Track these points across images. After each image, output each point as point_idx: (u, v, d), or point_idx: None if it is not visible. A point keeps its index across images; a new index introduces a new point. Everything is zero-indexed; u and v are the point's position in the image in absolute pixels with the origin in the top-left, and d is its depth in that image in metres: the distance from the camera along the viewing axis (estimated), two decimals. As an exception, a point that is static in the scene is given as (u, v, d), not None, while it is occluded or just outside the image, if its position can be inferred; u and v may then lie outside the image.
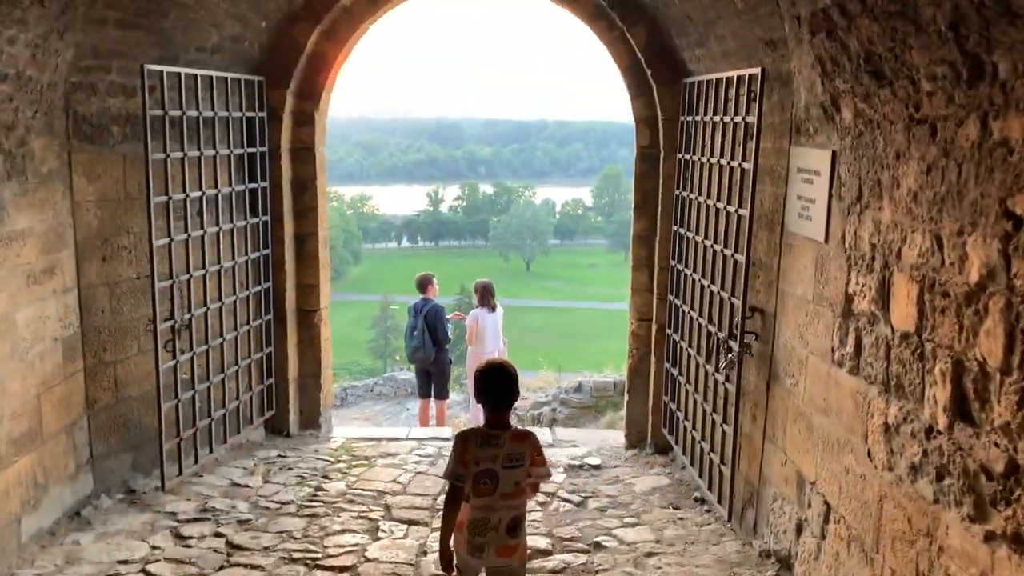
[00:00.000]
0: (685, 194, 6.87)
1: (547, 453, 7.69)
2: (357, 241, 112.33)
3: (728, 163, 5.81)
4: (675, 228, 7.09)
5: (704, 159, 6.36)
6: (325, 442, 7.94)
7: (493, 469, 3.75)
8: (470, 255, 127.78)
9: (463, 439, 3.85)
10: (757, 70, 5.28)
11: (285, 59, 7.37)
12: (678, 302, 6.98)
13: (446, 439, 8.11)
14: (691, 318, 6.62)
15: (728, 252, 5.77)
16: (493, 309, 10.60)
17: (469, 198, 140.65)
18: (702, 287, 6.35)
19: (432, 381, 10.61)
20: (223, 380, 6.91)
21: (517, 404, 13.56)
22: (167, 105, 5.96)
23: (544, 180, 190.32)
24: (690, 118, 6.78)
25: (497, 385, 3.84)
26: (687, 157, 6.84)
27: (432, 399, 10.80)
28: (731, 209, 5.74)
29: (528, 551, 4.24)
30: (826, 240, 4.64)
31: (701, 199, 6.40)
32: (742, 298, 5.48)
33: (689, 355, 6.69)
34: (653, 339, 7.51)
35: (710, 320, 6.15)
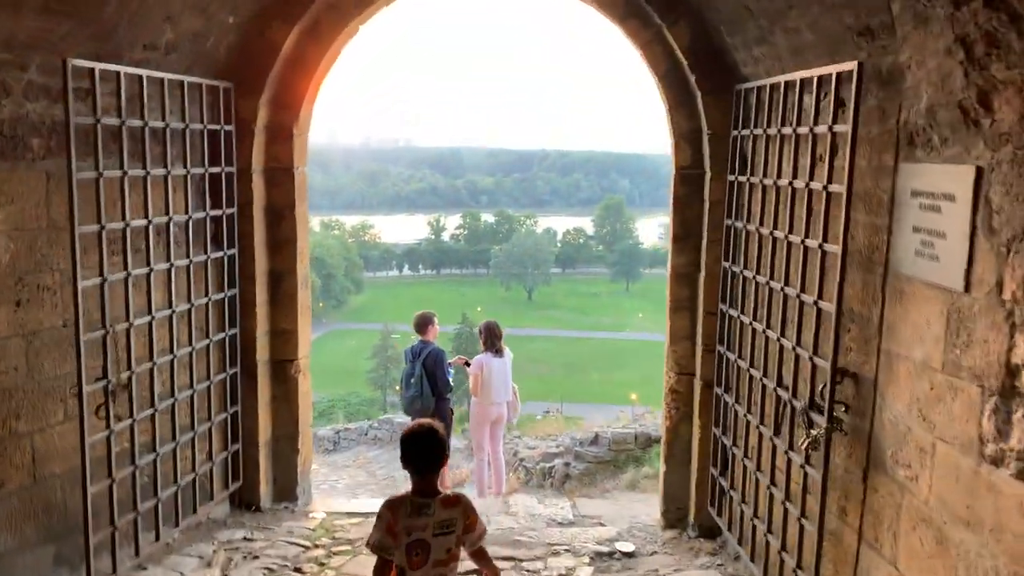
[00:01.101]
0: (740, 224, 5.64)
1: (568, 533, 6.41)
2: (358, 270, 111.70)
3: (806, 185, 4.58)
4: (726, 265, 5.86)
5: (768, 181, 5.14)
6: (302, 518, 6.64)
7: (424, 539, 3.63)
8: (472, 283, 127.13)
9: (391, 508, 3.70)
10: (851, 65, 4.07)
11: (258, 62, 6.19)
12: (731, 355, 5.73)
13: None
14: (751, 377, 5.36)
15: (808, 298, 4.53)
16: (500, 353, 9.31)
17: (471, 227, 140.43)
18: (766, 339, 5.09)
19: None
20: (175, 450, 5.64)
21: (525, 455, 12.36)
22: (100, 112, 4.75)
23: (545, 209, 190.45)
24: (746, 132, 5.58)
25: (421, 450, 3.69)
26: (742, 179, 5.62)
27: None
28: (811, 244, 4.51)
29: None
30: (966, 288, 3.39)
31: (764, 230, 5.17)
32: (831, 358, 4.23)
33: (748, 423, 5.42)
34: (697, 398, 6.24)
35: (779, 382, 4.88)
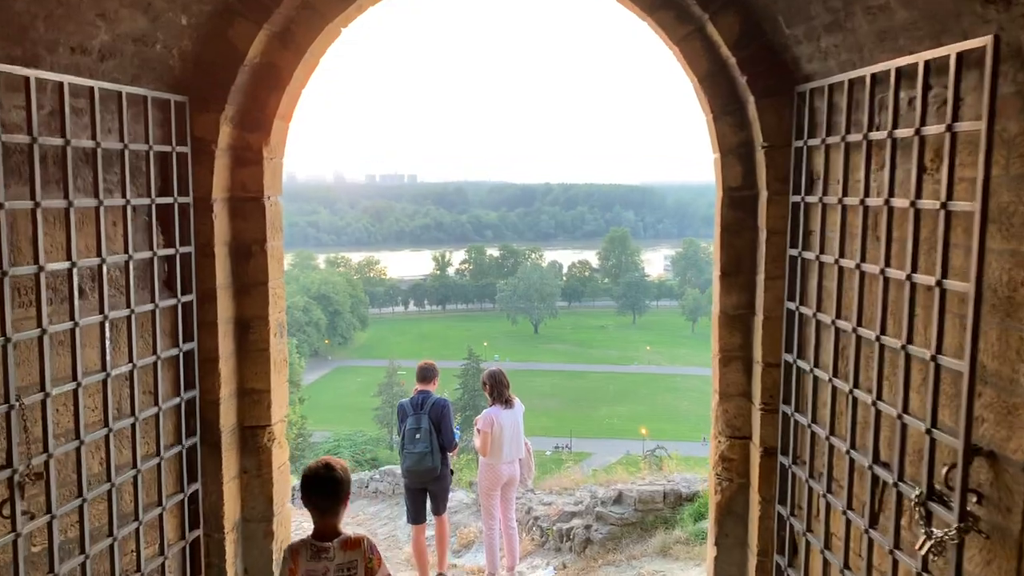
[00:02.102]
0: (810, 255, 4.56)
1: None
2: (364, 307, 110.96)
3: (912, 204, 3.50)
4: (792, 306, 4.76)
5: (850, 201, 4.07)
6: (278, 618, 5.50)
7: None
8: (477, 318, 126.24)
9: (292, 553, 3.68)
10: (981, 42, 3.02)
11: (218, 72, 5.17)
12: (802, 419, 4.61)
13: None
14: (831, 448, 4.25)
15: (919, 351, 3.43)
16: (510, 404, 8.16)
17: (476, 261, 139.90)
18: (854, 401, 3.99)
19: (432, 499, 8.05)
20: (112, 546, 4.52)
21: (540, 513, 11.15)
22: (3, 129, 3.72)
23: (550, 243, 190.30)
24: (814, 141, 4.52)
25: (321, 490, 3.67)
26: (810, 200, 4.55)
27: (427, 521, 8.27)
28: (922, 280, 3.42)
29: None
30: None
31: (847, 263, 4.09)
32: (962, 433, 3.12)
33: (829, 505, 4.29)
34: (756, 468, 5.11)
35: (876, 458, 3.77)
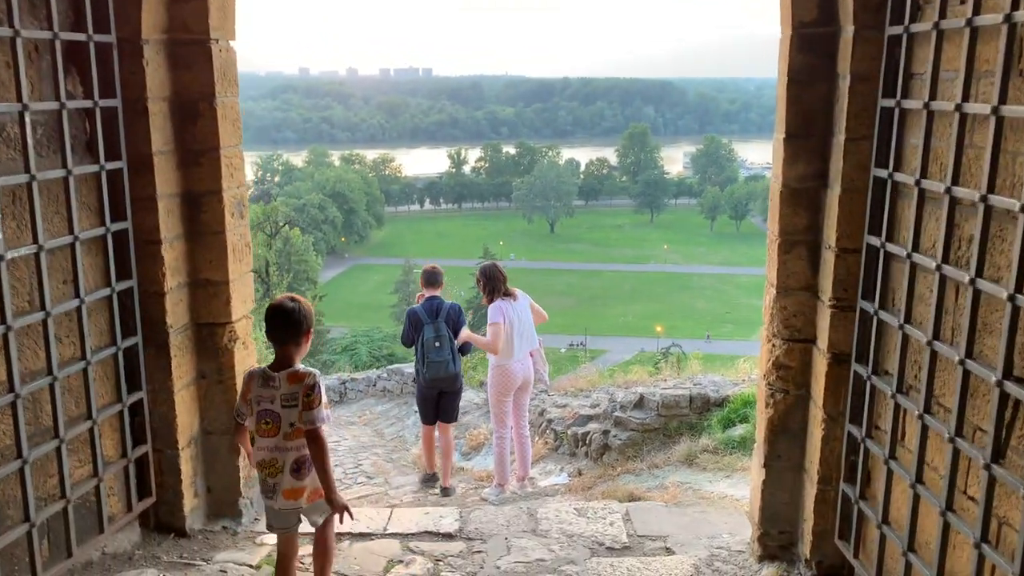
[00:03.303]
0: (912, 104, 3.44)
1: (624, 568, 4.45)
2: (379, 204, 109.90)
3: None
4: (880, 174, 3.67)
5: (986, 19, 2.92)
6: (245, 547, 4.70)
7: (273, 409, 3.73)
8: (493, 217, 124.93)
9: (247, 377, 3.84)
10: None
11: None
12: (891, 320, 3.58)
13: (448, 536, 4.88)
14: (934, 355, 3.24)
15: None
16: (514, 297, 7.34)
17: (492, 159, 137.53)
18: (975, 295, 2.95)
19: (445, 404, 7.63)
20: (23, 469, 3.64)
21: (553, 416, 10.38)
22: None
23: (568, 140, 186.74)
24: (927, -52, 3.33)
25: (278, 321, 3.75)
26: (918, 28, 3.40)
27: (436, 425, 7.79)
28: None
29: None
30: None
31: (975, 108, 2.97)
32: None
33: (925, 429, 3.32)
34: (820, 379, 4.13)
35: (1008, 371, 2.76)
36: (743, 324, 76.23)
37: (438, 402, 7.56)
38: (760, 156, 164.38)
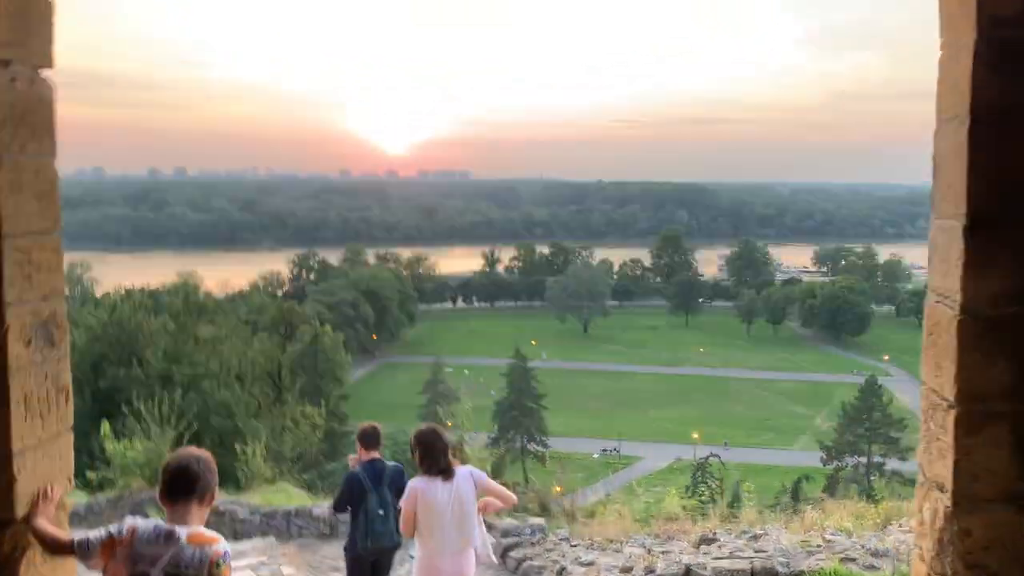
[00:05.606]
0: None
1: None
2: (412, 302, 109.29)
3: None
4: None
5: None
6: None
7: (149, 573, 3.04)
8: (526, 316, 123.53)
9: (129, 526, 3.13)
10: None
11: None
12: None
13: None
14: None
15: None
16: (447, 475, 5.40)
17: (525, 259, 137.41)
18: None
19: (381, 566, 6.96)
20: None
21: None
22: None
23: (601, 240, 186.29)
24: None
25: (179, 483, 3.22)
26: None
27: None
28: None
29: None
30: None
31: None
32: None
33: None
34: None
35: None
36: (783, 432, 72.80)
37: (373, 567, 6.93)
38: (797, 259, 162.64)
